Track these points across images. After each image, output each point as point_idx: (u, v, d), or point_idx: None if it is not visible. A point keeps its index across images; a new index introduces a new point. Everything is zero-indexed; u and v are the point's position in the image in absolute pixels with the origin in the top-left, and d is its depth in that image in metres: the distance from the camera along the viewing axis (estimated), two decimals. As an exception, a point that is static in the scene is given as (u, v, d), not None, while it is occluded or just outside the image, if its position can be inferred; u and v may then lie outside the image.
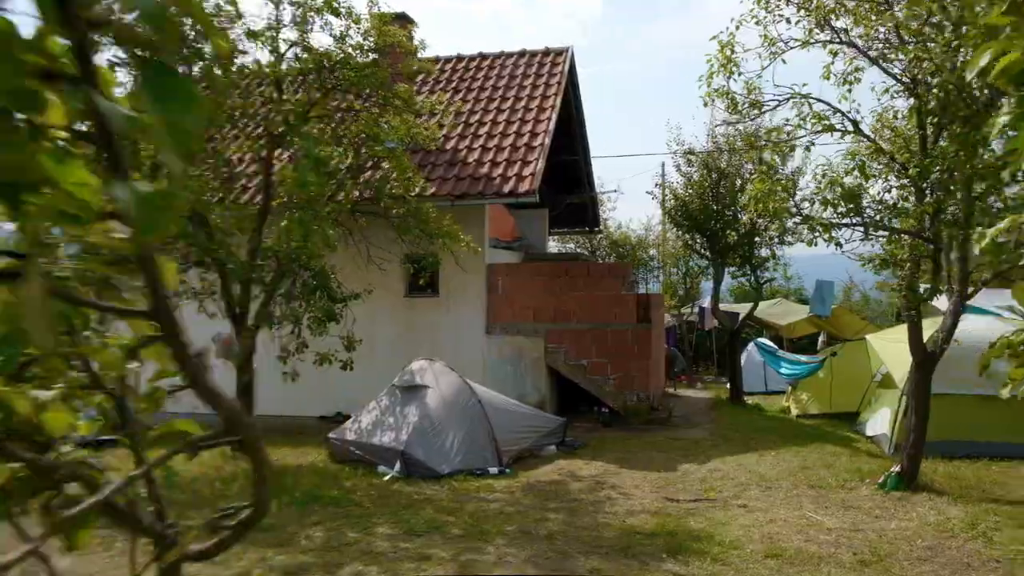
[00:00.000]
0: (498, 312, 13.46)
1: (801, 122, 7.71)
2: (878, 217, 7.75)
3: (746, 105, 7.90)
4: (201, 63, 9.68)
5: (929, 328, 8.64)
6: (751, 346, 19.41)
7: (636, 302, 13.64)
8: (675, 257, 25.24)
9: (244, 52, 9.98)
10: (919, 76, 7.37)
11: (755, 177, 8.30)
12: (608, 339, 13.14)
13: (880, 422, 11.35)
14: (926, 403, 8.43)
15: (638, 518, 7.32)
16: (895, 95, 7.83)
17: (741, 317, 17.70)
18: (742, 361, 18.01)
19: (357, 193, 10.93)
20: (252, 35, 9.72)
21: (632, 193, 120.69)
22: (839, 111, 7.79)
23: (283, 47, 10.07)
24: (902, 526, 7.02)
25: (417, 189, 11.95)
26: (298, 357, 9.13)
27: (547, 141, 13.78)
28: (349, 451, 9.68)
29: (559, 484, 8.75)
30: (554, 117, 14.47)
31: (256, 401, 10.67)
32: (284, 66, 10.18)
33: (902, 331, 11.01)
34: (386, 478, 8.80)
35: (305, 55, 9.89)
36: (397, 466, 8.97)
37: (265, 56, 10.08)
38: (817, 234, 7.59)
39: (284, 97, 10.22)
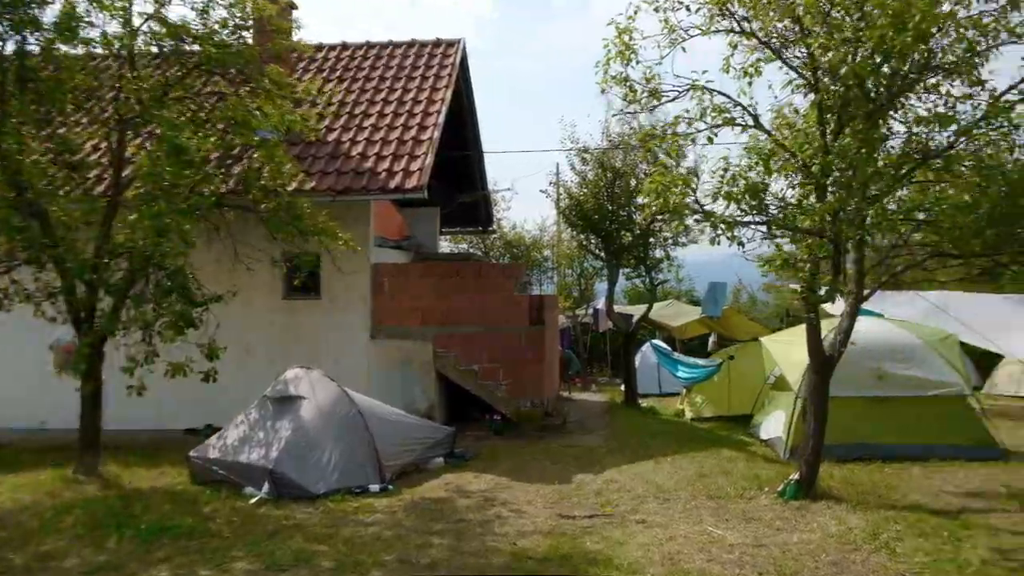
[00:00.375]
0: (384, 315, 12.64)
1: (701, 113, 7.29)
2: (781, 215, 7.42)
3: (644, 94, 7.43)
4: (38, 33, 8.56)
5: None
6: (646, 347, 19.26)
7: (529, 304, 13.12)
8: (570, 258, 25.00)
9: (91, 23, 8.82)
10: (820, 70, 7.08)
11: (654, 171, 7.85)
12: (500, 342, 12.53)
13: (775, 425, 11.20)
14: (824, 407, 8.19)
15: (530, 539, 6.71)
16: (795, 89, 7.52)
17: (635, 319, 17.47)
18: (637, 363, 17.81)
19: (224, 186, 9.90)
20: (99, 4, 8.60)
21: (526, 193, 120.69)
22: (739, 104, 7.43)
23: (137, 21, 8.99)
24: (805, 539, 6.68)
25: (294, 183, 11.01)
26: (148, 368, 8.04)
27: (436, 135, 13.06)
28: (212, 471, 8.67)
29: (445, 502, 8.06)
30: (444, 110, 13.76)
31: (111, 414, 9.51)
32: (139, 41, 9.09)
33: (795, 333, 10.90)
34: (252, 501, 7.87)
35: (162, 29, 8.83)
36: (265, 487, 8.05)
37: (115, 28, 8.96)
38: (720, 232, 7.18)
39: (138, 75, 9.12)
